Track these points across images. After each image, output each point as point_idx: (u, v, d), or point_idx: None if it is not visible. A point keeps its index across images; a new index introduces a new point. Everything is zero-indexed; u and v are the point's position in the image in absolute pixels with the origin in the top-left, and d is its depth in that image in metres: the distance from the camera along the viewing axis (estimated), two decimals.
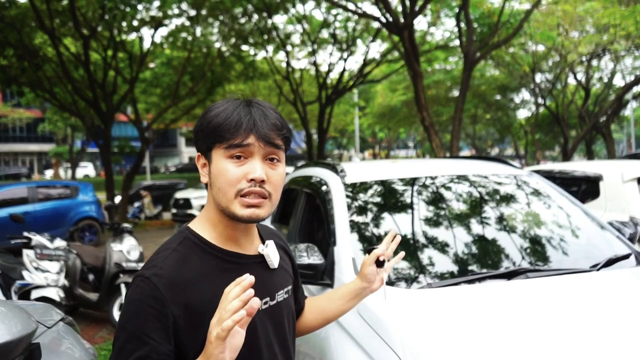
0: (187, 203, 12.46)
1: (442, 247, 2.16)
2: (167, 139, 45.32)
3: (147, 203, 14.81)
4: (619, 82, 18.03)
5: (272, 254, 1.15)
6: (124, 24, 11.70)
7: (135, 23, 11.95)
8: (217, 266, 1.05)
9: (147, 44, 13.07)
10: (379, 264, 1.31)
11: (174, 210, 12.84)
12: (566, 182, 4.54)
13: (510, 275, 1.94)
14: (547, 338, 1.45)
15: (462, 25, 9.64)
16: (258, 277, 0.99)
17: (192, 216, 12.15)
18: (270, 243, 1.17)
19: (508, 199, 2.54)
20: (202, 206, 13.44)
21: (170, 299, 0.97)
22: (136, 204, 14.64)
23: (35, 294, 4.66)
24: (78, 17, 10.37)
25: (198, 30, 13.39)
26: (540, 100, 18.51)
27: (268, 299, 1.12)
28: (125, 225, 5.24)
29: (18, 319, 1.55)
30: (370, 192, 2.52)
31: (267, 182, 1.03)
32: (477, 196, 2.52)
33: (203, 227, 1.10)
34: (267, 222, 3.88)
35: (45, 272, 4.82)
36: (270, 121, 1.05)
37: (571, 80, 17.59)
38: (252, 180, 1.01)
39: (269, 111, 1.07)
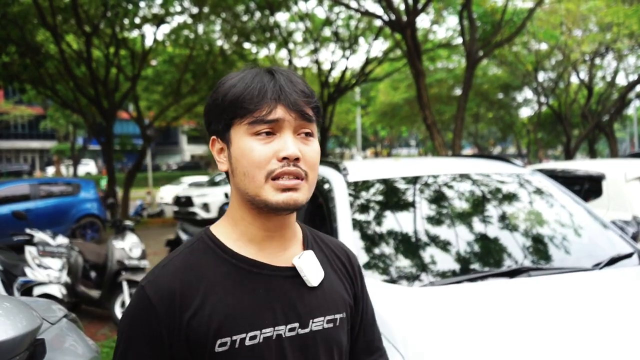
0: (188, 201, 12.47)
1: (445, 246, 2.16)
2: (169, 137, 45.34)
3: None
4: (622, 81, 17.99)
5: (307, 268, 0.90)
6: (126, 21, 11.70)
7: (137, 20, 11.95)
8: (230, 275, 0.86)
9: (149, 42, 13.08)
10: None
11: (175, 208, 12.86)
12: (569, 181, 4.53)
13: (512, 273, 1.94)
14: (549, 336, 1.45)
15: (465, 23, 9.61)
16: (284, 295, 0.87)
17: (194, 214, 12.23)
18: (308, 254, 0.92)
19: (510, 197, 2.54)
20: (204, 204, 13.35)
21: (165, 312, 0.82)
22: (138, 202, 14.67)
23: (37, 290, 4.67)
24: (80, 14, 10.37)
25: (200, 28, 13.38)
26: (542, 99, 18.48)
27: (297, 324, 0.87)
28: (127, 222, 5.25)
29: (23, 315, 1.56)
30: (373, 190, 2.52)
31: (301, 160, 0.85)
32: (479, 195, 2.52)
33: (224, 226, 0.92)
34: None
35: (47, 269, 4.83)
36: (298, 87, 0.87)
37: (574, 79, 17.56)
38: (284, 158, 0.83)
39: (294, 77, 0.89)
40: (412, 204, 2.39)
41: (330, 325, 0.91)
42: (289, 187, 0.84)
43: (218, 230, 0.92)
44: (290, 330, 0.86)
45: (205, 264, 0.87)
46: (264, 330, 0.84)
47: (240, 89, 0.85)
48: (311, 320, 0.89)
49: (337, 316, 0.93)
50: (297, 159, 0.84)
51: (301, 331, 0.87)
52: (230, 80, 0.88)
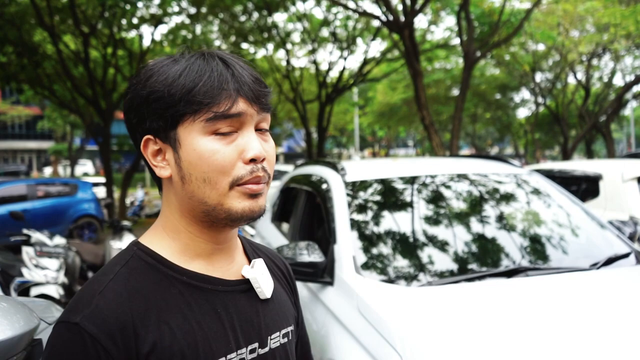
0: None
1: (442, 246, 2.16)
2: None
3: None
4: (619, 81, 18.05)
5: (261, 278, 0.81)
6: (124, 21, 11.68)
7: (135, 21, 11.94)
8: (183, 296, 0.72)
9: (147, 42, 13.05)
10: None
11: None
12: (566, 181, 4.54)
13: (510, 273, 1.94)
14: (546, 336, 1.45)
15: (463, 24, 9.63)
16: (242, 312, 0.77)
17: None
18: (259, 263, 0.83)
19: (508, 197, 2.54)
20: None
21: (119, 353, 0.65)
22: (138, 197, 14.65)
23: (34, 291, 4.66)
24: (78, 15, 10.35)
25: (198, 28, 13.38)
26: (540, 100, 18.52)
27: (256, 344, 0.77)
28: (125, 223, 5.24)
29: (20, 315, 1.55)
30: (371, 190, 2.52)
31: (265, 161, 0.75)
32: (477, 195, 2.52)
33: (159, 239, 0.76)
34: (267, 221, 3.89)
35: (44, 269, 4.82)
36: (253, 74, 0.75)
37: (571, 80, 17.61)
38: (252, 160, 0.72)
39: (242, 61, 0.76)
40: (410, 204, 2.39)
41: (285, 340, 0.83)
42: (256, 192, 0.73)
43: (154, 244, 0.76)
44: (252, 352, 0.76)
45: (151, 286, 0.71)
46: (229, 357, 0.73)
47: (192, 79, 0.70)
48: (269, 338, 0.80)
49: (289, 329, 0.85)
50: (262, 160, 0.74)
51: (261, 351, 0.78)
52: (170, 68, 0.72)
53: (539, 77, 17.53)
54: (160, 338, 0.68)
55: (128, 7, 10.83)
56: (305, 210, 2.94)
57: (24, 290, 4.63)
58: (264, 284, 0.81)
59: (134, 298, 0.69)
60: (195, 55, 0.74)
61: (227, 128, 0.72)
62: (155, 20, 12.15)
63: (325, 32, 15.06)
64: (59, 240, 5.08)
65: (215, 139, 0.71)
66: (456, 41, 13.93)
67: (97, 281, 0.71)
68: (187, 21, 12.88)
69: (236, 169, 0.72)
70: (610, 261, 2.07)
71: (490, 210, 2.41)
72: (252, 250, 0.88)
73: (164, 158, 0.75)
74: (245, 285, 0.80)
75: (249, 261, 0.85)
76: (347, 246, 2.07)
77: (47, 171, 35.60)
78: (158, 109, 0.72)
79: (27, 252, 4.87)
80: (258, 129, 0.76)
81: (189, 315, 0.71)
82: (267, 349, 0.79)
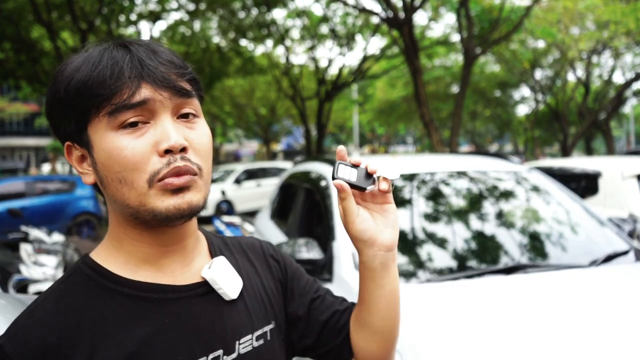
0: None
1: (442, 243, 2.15)
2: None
3: None
4: (618, 79, 18.06)
5: (221, 278, 0.73)
6: (122, 17, 11.64)
7: (133, 17, 11.90)
8: (125, 309, 0.66)
9: (145, 38, 13.02)
10: (358, 184, 0.73)
11: None
12: (565, 178, 4.54)
13: (509, 270, 1.94)
14: (545, 333, 1.45)
15: (463, 20, 9.61)
16: (199, 319, 0.69)
17: None
18: (219, 261, 0.75)
19: (507, 195, 2.54)
20: None
21: None
22: None
23: (33, 288, 4.65)
24: (76, 11, 10.31)
25: (197, 25, 13.34)
26: (540, 97, 18.52)
27: (220, 352, 0.70)
28: None
29: (18, 312, 1.54)
30: None
31: (189, 150, 0.66)
32: (476, 192, 2.51)
33: (105, 250, 0.71)
34: (266, 218, 3.88)
35: (43, 266, 4.81)
36: (164, 57, 0.67)
37: (571, 77, 17.60)
38: (167, 152, 0.64)
39: (157, 46, 0.69)
40: (410, 201, 2.38)
41: (261, 341, 0.75)
42: (179, 185, 0.64)
43: (98, 255, 0.71)
44: None
45: (87, 302, 0.65)
46: None
47: (86, 72, 0.64)
48: (237, 342, 0.72)
49: (267, 328, 0.77)
50: (183, 149, 0.65)
51: (227, 358, 0.70)
52: (72, 63, 0.66)
53: (538, 74, 17.53)
54: (94, 357, 0.62)
55: (126, 3, 10.79)
56: (304, 207, 2.93)
57: (22, 287, 4.62)
58: (226, 284, 0.73)
59: (64, 316, 0.64)
60: (97, 46, 0.68)
61: (135, 119, 0.64)
62: (154, 17, 12.12)
63: (324, 29, 15.02)
64: (58, 237, 5.07)
65: (122, 134, 0.64)
66: (456, 38, 13.93)
67: (35, 300, 0.67)
68: (186, 18, 12.84)
69: (151, 164, 0.64)
70: (609, 258, 2.07)
71: (489, 207, 2.41)
72: (221, 247, 0.81)
73: (88, 164, 0.69)
74: (204, 288, 0.72)
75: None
76: (346, 243, 2.07)
77: (45, 168, 35.56)
78: (63, 111, 0.66)
79: (25, 249, 4.86)
80: (182, 116, 0.67)
81: (131, 331, 0.65)
82: (234, 355, 0.71)
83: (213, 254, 0.78)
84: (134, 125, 0.64)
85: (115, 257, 0.70)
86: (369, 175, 0.72)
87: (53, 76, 0.68)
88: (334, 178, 0.71)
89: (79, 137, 0.67)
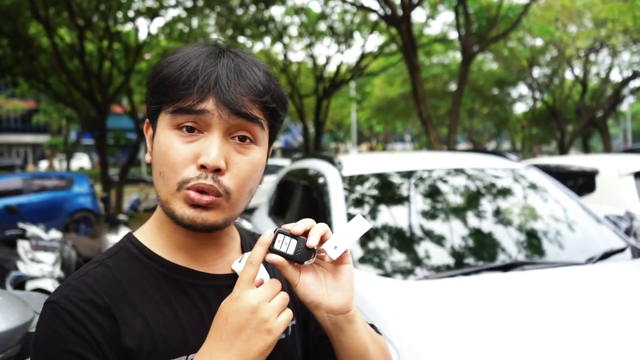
0: None
1: (439, 240, 2.16)
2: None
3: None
4: (616, 77, 18.08)
5: None
6: (120, 14, 11.60)
7: (131, 14, 11.85)
8: (162, 288, 0.71)
9: (143, 35, 12.97)
10: (297, 255, 0.69)
11: None
12: (563, 176, 4.55)
13: (506, 267, 1.95)
14: (542, 330, 1.45)
15: (461, 18, 9.61)
16: None
17: None
18: (247, 256, 0.75)
19: (505, 192, 2.54)
20: None
21: (92, 326, 0.65)
22: (134, 196, 14.62)
23: (30, 285, 4.64)
24: (73, 7, 10.26)
25: (194, 22, 13.30)
26: (537, 95, 18.55)
27: None
28: (121, 217, 5.23)
29: (15, 308, 1.55)
30: (368, 184, 2.52)
31: (226, 173, 0.68)
32: (474, 189, 2.52)
33: (149, 231, 0.76)
34: (263, 216, 3.88)
35: (40, 263, 4.80)
36: (245, 81, 0.69)
37: (568, 75, 17.62)
38: (203, 167, 0.67)
39: (248, 66, 0.70)
40: (407, 198, 2.39)
41: (283, 336, 0.78)
42: (198, 203, 0.67)
43: (143, 235, 0.76)
44: None
45: (132, 276, 0.71)
46: None
47: (172, 70, 0.69)
48: None
49: (290, 324, 0.78)
50: (218, 170, 0.67)
51: None
52: (176, 53, 0.72)
53: (536, 72, 17.55)
54: (133, 325, 0.67)
55: (124, 0, 10.75)
56: (302, 204, 2.93)
57: (19, 284, 4.62)
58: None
59: (111, 285, 0.69)
60: (202, 48, 0.73)
61: (191, 124, 0.68)
62: (152, 13, 12.07)
63: (322, 26, 15.00)
64: (55, 234, 5.06)
65: (176, 135, 0.68)
66: (454, 35, 13.91)
67: (82, 268, 0.72)
68: (184, 14, 12.79)
69: (186, 171, 0.67)
70: (606, 256, 2.08)
71: (487, 204, 2.41)
72: (249, 245, 0.84)
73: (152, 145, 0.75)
74: (234, 280, 0.72)
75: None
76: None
77: (43, 165, 35.47)
78: (149, 93, 0.73)
79: (22, 246, 4.85)
80: (237, 137, 0.69)
81: (165, 307, 0.70)
82: None
83: (244, 250, 0.82)
84: (190, 130, 0.68)
85: (157, 239, 0.75)
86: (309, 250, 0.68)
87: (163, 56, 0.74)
88: (270, 250, 0.68)
89: (153, 120, 0.74)
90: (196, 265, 0.75)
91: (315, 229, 0.70)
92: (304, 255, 0.68)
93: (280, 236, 0.68)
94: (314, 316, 0.75)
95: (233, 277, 0.75)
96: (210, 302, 0.73)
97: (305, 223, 0.71)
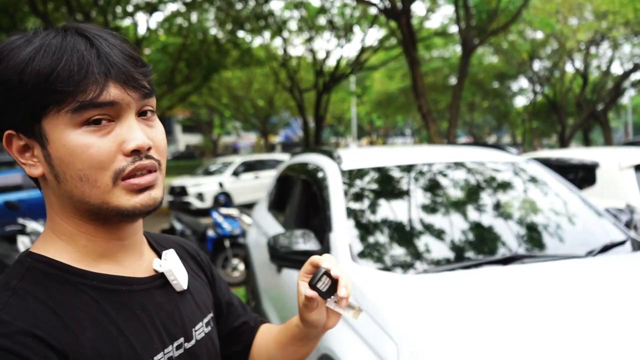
0: (183, 190, 12.43)
1: (439, 234, 2.15)
2: (163, 126, 45.02)
3: None
4: (617, 69, 18.02)
5: (175, 270, 0.76)
6: (119, 9, 11.56)
7: (129, 8, 11.81)
8: (96, 302, 0.65)
9: (142, 30, 12.97)
10: (325, 292, 0.80)
11: (170, 198, 12.82)
12: (563, 169, 4.54)
13: (506, 261, 1.94)
14: (542, 323, 1.45)
15: (461, 11, 9.56)
16: (162, 309, 0.72)
17: (188, 204, 12.19)
18: (171, 254, 0.78)
19: (505, 185, 2.54)
20: (199, 194, 13.28)
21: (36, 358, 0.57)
22: None
23: None
24: (72, 2, 10.23)
25: (194, 16, 13.24)
26: (538, 88, 18.50)
27: (182, 339, 0.74)
28: None
29: None
30: (367, 178, 2.51)
31: (152, 148, 0.67)
32: (474, 183, 2.51)
33: (53, 245, 0.68)
34: (263, 210, 3.88)
35: None
36: (126, 52, 0.65)
37: (569, 68, 17.58)
38: (134, 152, 0.64)
39: (110, 36, 0.66)
40: (407, 192, 2.38)
41: (209, 328, 0.81)
42: (145, 185, 0.66)
43: (49, 251, 0.67)
44: (178, 347, 0.72)
45: (57, 297, 0.62)
46: (155, 358, 0.68)
47: (47, 63, 0.60)
48: (193, 330, 0.76)
49: (209, 316, 0.83)
50: (149, 148, 0.66)
51: (188, 345, 0.74)
52: (22, 50, 0.61)
53: (537, 65, 17.50)
54: (80, 352, 0.60)
55: None
56: (302, 199, 2.93)
57: None
58: (179, 275, 0.77)
59: (41, 314, 0.60)
60: (52, 32, 0.63)
61: (100, 117, 0.63)
62: (151, 8, 12.02)
63: (322, 20, 14.94)
64: None
65: (87, 132, 0.62)
66: (454, 29, 13.86)
67: None
68: (183, 9, 12.74)
69: (116, 162, 0.64)
70: (606, 249, 2.07)
71: (487, 198, 2.41)
72: (157, 243, 0.82)
73: (33, 154, 0.66)
74: (160, 280, 0.75)
75: (157, 254, 0.79)
76: (343, 234, 2.07)
77: None
78: (13, 100, 0.62)
79: (22, 241, 4.86)
80: (142, 112, 0.68)
81: (106, 323, 0.64)
82: (193, 342, 0.76)
83: (154, 248, 0.80)
84: (97, 122, 0.63)
85: (69, 252, 0.68)
86: (334, 289, 0.80)
87: None
88: (311, 285, 0.79)
89: (28, 127, 0.64)
90: (123, 271, 0.71)
91: (349, 285, 0.79)
92: (330, 296, 0.81)
93: (324, 277, 0.80)
94: (225, 314, 0.92)
95: (160, 277, 0.75)
96: (146, 306, 0.70)
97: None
